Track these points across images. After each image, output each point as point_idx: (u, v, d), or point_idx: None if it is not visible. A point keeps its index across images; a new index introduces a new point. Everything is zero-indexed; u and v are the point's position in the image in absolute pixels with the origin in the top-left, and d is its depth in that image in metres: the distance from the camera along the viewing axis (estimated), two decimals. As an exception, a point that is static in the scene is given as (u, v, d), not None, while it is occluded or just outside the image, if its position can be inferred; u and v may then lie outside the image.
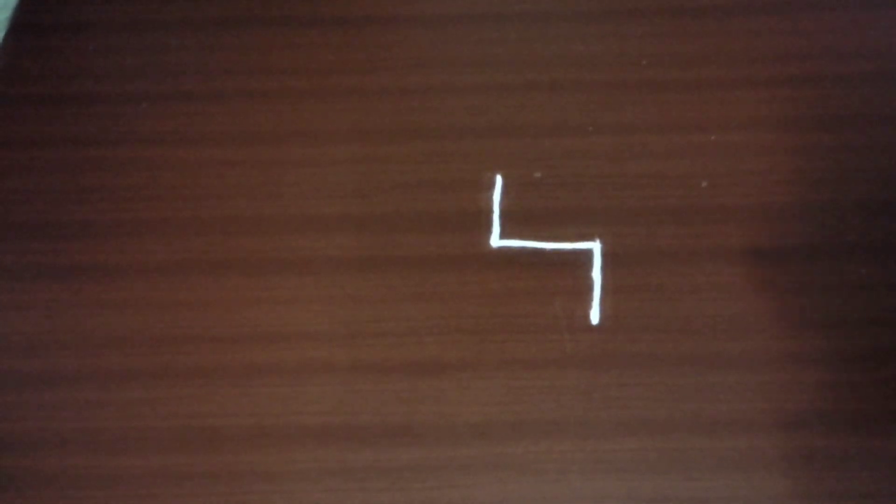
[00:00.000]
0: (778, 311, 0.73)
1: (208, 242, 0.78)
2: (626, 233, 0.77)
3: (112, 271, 0.76)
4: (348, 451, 0.68)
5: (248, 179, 0.81)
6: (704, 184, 0.78)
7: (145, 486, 0.67)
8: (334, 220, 0.79)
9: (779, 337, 0.72)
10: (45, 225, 0.79)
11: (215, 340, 0.73)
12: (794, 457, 0.67)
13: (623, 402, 0.70)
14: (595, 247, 0.76)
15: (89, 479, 0.68)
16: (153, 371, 0.72)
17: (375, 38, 0.89)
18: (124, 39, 0.89)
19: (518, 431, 0.69)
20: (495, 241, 0.77)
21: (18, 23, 0.90)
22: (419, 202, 0.79)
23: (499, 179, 0.80)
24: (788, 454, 0.67)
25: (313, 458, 0.68)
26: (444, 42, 0.88)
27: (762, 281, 0.75)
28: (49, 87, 0.87)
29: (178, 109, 0.85)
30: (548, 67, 0.86)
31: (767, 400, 0.69)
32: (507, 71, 0.86)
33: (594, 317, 0.73)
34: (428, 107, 0.84)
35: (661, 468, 0.67)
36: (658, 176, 0.79)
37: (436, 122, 0.83)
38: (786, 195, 0.78)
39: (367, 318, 0.74)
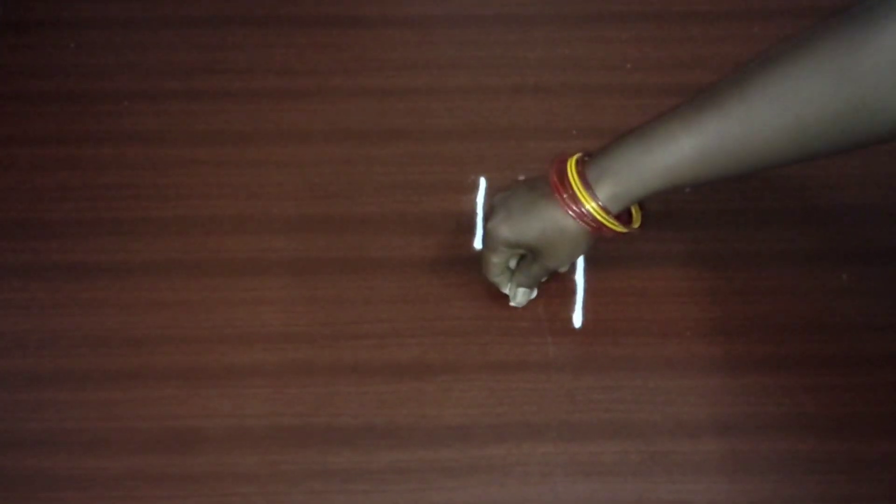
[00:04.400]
0: (760, 316, 0.73)
1: (189, 242, 0.77)
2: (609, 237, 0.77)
3: (91, 271, 0.76)
4: (329, 453, 0.68)
5: (230, 179, 0.80)
6: (687, 189, 0.78)
7: (123, 488, 0.67)
8: (317, 221, 0.78)
9: (760, 341, 0.72)
10: (23, 223, 0.78)
11: (195, 341, 0.72)
12: (775, 460, 0.67)
13: (605, 405, 0.70)
14: (578, 250, 0.76)
15: (66, 480, 0.67)
16: (132, 371, 0.71)
17: (359, 39, 0.89)
18: (106, 37, 0.88)
19: (500, 434, 0.69)
20: (478, 243, 0.77)
21: (-1, 20, 0.90)
22: (402, 204, 0.79)
23: (482, 182, 0.80)
24: (770, 457, 0.67)
25: (294, 459, 0.68)
26: (429, 44, 0.88)
27: (743, 285, 0.75)
28: (29, 84, 0.86)
29: (159, 108, 0.84)
30: (532, 70, 0.86)
31: (749, 403, 0.70)
32: (492, 74, 0.86)
33: (577, 320, 0.73)
34: (412, 108, 0.84)
35: (643, 471, 0.67)
36: (641, 180, 0.79)
37: (419, 123, 0.83)
38: (767, 200, 0.78)
39: (348, 320, 0.73)
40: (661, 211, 0.77)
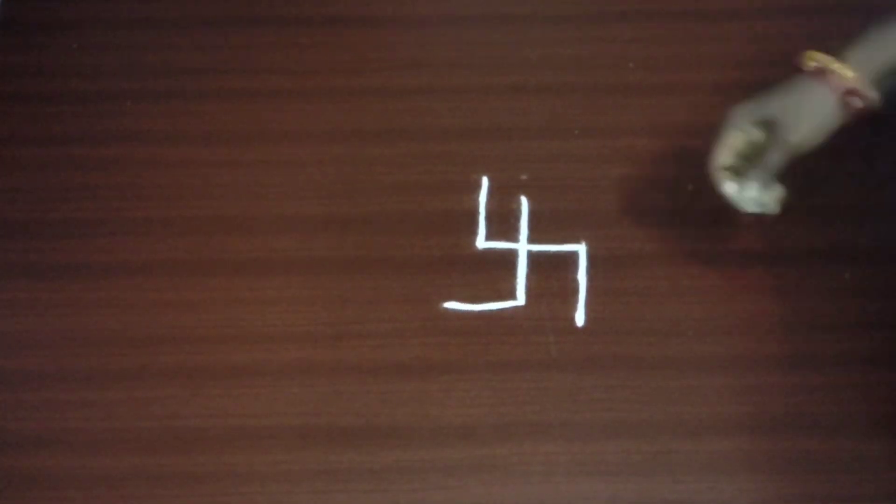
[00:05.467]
0: (762, 315, 0.73)
1: (192, 242, 0.77)
2: (612, 236, 0.77)
3: (94, 271, 0.76)
4: (332, 453, 0.68)
5: (233, 179, 0.80)
6: (690, 187, 0.78)
7: (126, 487, 0.67)
8: (319, 221, 0.78)
9: (763, 340, 0.72)
10: (27, 223, 0.78)
11: (198, 341, 0.73)
12: (777, 459, 0.67)
13: (608, 405, 0.70)
14: (581, 249, 0.76)
15: (69, 480, 0.67)
16: (135, 371, 0.71)
17: (362, 39, 0.89)
18: (109, 38, 0.88)
19: (503, 433, 0.69)
20: (481, 242, 0.77)
21: (2, 20, 0.90)
22: (405, 203, 0.79)
23: (485, 181, 0.80)
24: (772, 457, 0.67)
25: (296, 459, 0.68)
26: (431, 44, 0.88)
27: (747, 284, 0.75)
28: (32, 85, 0.86)
29: (162, 109, 0.84)
30: (535, 70, 0.86)
31: (751, 403, 0.69)
32: (495, 73, 0.86)
33: (579, 319, 0.73)
34: (415, 108, 0.84)
35: (645, 470, 0.67)
36: (644, 179, 0.79)
37: (422, 123, 0.83)
38: (771, 199, 0.78)
39: (351, 319, 0.73)
40: (665, 210, 0.78)
